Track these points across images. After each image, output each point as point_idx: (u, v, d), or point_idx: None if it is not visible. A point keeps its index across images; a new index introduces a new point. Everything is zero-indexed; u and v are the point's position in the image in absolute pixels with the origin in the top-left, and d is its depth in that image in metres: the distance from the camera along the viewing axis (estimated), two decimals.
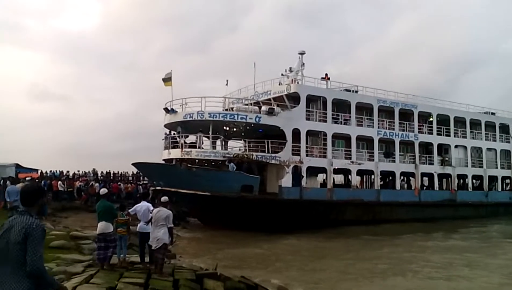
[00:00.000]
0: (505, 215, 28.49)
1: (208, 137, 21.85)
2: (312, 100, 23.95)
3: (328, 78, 25.03)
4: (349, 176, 26.02)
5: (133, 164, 22.19)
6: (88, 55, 79.99)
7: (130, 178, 31.65)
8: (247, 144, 25.24)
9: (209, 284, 8.06)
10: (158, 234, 8.41)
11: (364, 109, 25.91)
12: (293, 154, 22.17)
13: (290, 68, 24.15)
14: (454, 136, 29.43)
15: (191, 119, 21.60)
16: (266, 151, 21.76)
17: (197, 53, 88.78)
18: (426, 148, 28.96)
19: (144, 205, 9.79)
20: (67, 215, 19.96)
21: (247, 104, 23.66)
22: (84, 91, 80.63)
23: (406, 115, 27.68)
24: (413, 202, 25.94)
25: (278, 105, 22.44)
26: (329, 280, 11.39)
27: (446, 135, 28.97)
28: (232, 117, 21.60)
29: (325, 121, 23.84)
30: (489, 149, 31.43)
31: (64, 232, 12.79)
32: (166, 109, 22.75)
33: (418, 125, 27.66)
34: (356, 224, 21.57)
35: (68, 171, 30.80)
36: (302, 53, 24.24)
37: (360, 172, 26.24)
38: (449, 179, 29.34)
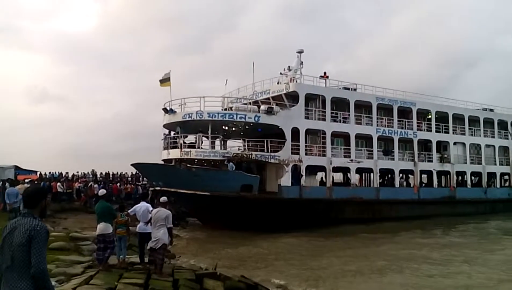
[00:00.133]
0: (504, 211, 28.54)
1: (207, 137, 21.87)
2: (311, 98, 23.96)
3: (327, 77, 25.06)
4: (348, 174, 26.05)
5: (132, 164, 22.20)
6: (86, 56, 79.98)
7: (130, 178, 31.65)
8: (246, 144, 25.25)
9: (209, 284, 8.08)
10: (157, 234, 8.43)
11: (363, 107, 25.92)
12: (292, 153, 22.18)
13: (289, 67, 24.16)
14: (453, 133, 29.46)
15: (190, 119, 21.60)
16: (265, 150, 21.77)
17: (195, 53, 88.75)
18: (425, 145, 29.00)
19: (143, 205, 9.82)
20: (66, 216, 19.96)
21: (246, 104, 23.67)
22: (83, 92, 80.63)
23: (404, 112, 27.71)
24: (412, 200, 25.99)
25: (277, 104, 22.46)
26: (328, 278, 11.42)
27: (445, 132, 29.01)
28: (231, 116, 21.61)
29: (324, 119, 23.86)
30: (487, 146, 31.49)
31: (63, 234, 12.81)
32: (165, 109, 22.75)
33: (417, 123, 27.70)
34: (355, 222, 21.62)
35: (67, 173, 30.83)
36: (300, 52, 24.25)
37: (359, 170, 26.29)
38: (448, 176, 29.38)
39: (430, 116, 28.72)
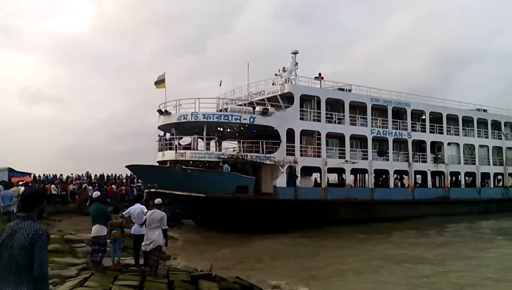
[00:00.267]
0: (498, 211, 28.76)
1: (202, 138, 21.85)
2: (305, 99, 24.03)
3: (322, 78, 25.13)
4: (343, 175, 26.12)
5: (127, 166, 22.13)
6: (81, 56, 79.41)
7: (124, 180, 31.50)
8: (241, 145, 25.25)
9: (204, 285, 8.07)
10: (152, 236, 8.41)
11: (358, 108, 26.03)
12: (287, 154, 22.22)
13: (284, 68, 24.22)
14: (447, 134, 29.65)
15: (185, 120, 21.57)
16: (261, 152, 21.79)
17: (190, 54, 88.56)
18: (419, 146, 29.18)
19: (138, 207, 9.80)
20: (60, 219, 19.83)
21: (241, 105, 23.68)
22: (77, 93, 79.95)
23: (399, 113, 27.86)
24: (406, 200, 26.12)
25: (272, 105, 22.48)
26: (324, 278, 11.48)
27: (439, 133, 29.20)
28: (226, 118, 21.61)
29: (319, 120, 23.92)
30: (481, 146, 31.74)
31: (58, 236, 12.72)
32: (159, 111, 22.70)
33: (411, 123, 27.87)
34: (350, 222, 21.68)
35: (61, 175, 30.59)
36: (295, 53, 24.33)
37: (354, 171, 26.37)
38: (442, 176, 29.58)
39: (424, 117, 28.90)
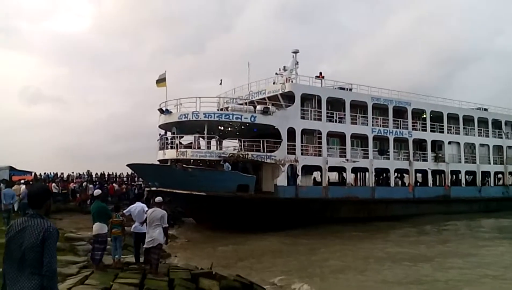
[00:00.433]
0: (498, 210, 28.75)
1: (203, 137, 21.87)
2: (306, 98, 24.03)
3: (323, 77, 25.14)
4: (344, 174, 26.13)
5: (128, 165, 22.16)
6: (81, 56, 79.30)
7: (125, 179, 31.55)
8: (242, 144, 25.25)
9: (205, 283, 8.09)
10: (153, 234, 8.44)
11: (358, 107, 26.02)
12: (288, 153, 22.24)
13: (284, 67, 24.22)
14: (448, 133, 29.65)
15: (186, 119, 21.60)
16: (261, 151, 21.80)
17: (190, 54, 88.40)
18: (420, 145, 29.16)
19: (138, 205, 9.83)
20: (61, 217, 19.85)
21: (241, 104, 23.68)
22: (77, 93, 79.92)
23: (400, 112, 27.85)
24: (407, 199, 26.12)
25: (273, 104, 22.49)
26: (324, 276, 11.50)
27: (440, 132, 29.18)
28: (227, 117, 21.63)
29: (320, 119, 23.93)
30: (482, 145, 31.72)
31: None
32: (160, 110, 22.73)
33: (412, 122, 27.86)
34: (351, 221, 21.69)
35: (62, 173, 30.64)
36: (296, 52, 24.33)
37: (354, 170, 26.37)
38: (443, 175, 29.56)
39: (425, 116, 28.89)
